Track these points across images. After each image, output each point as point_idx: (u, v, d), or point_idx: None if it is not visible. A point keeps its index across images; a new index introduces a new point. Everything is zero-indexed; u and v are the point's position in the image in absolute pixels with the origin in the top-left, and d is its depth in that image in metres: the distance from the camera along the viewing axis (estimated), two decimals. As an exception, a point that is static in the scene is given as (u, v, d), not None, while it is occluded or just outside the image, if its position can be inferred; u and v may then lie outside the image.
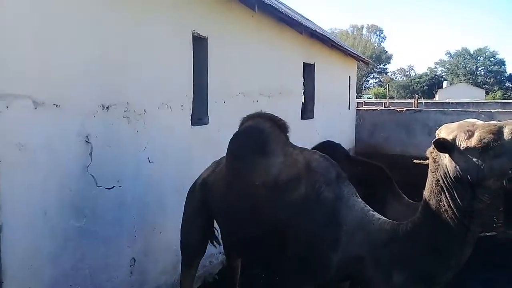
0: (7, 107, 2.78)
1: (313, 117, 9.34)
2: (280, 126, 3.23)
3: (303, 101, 9.18)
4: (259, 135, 3.15)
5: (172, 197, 4.37)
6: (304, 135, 7.06)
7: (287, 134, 3.27)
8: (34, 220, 3.02)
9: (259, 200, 2.95)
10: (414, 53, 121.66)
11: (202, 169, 4.29)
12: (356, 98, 16.69)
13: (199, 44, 4.86)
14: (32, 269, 3.03)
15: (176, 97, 4.40)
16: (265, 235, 2.92)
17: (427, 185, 2.47)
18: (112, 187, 3.61)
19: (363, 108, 16.12)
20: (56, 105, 3.11)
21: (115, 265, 3.75)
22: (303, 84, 9.19)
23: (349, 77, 13.36)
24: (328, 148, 3.67)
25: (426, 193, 2.47)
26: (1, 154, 2.76)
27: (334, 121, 11.26)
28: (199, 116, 4.90)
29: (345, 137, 12.40)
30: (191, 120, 4.68)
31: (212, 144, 4.95)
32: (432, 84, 61.21)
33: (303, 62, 8.65)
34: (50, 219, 3.13)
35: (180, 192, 4.43)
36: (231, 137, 3.39)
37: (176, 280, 4.57)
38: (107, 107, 3.55)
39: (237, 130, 3.43)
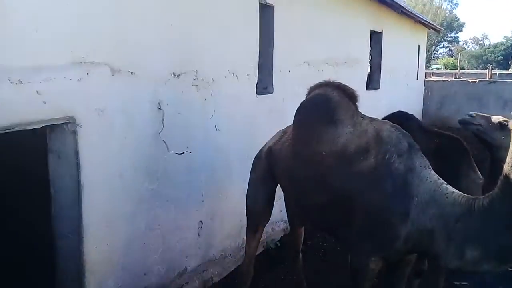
0: (87, 73, 2.92)
1: (379, 88, 9.06)
2: (349, 95, 3.17)
3: (369, 71, 8.90)
4: (327, 104, 3.11)
5: (237, 164, 4.46)
6: (369, 107, 6.83)
7: (356, 104, 3.20)
8: (111, 182, 3.21)
9: (326, 170, 2.94)
10: (488, 21, 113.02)
11: (266, 137, 4.32)
12: (425, 68, 15.89)
13: (266, 11, 4.82)
14: (110, 227, 3.24)
15: (242, 66, 4.43)
16: (331, 204, 2.92)
17: (508, 159, 2.34)
18: (183, 153, 3.75)
19: (432, 79, 15.36)
20: (132, 73, 3.24)
21: (184, 226, 3.93)
22: (370, 53, 8.88)
23: (418, 46, 12.73)
24: (400, 118, 3.56)
25: (506, 167, 2.34)
26: (82, 118, 2.93)
27: (401, 92, 10.85)
28: (264, 85, 4.91)
29: (412, 109, 11.89)
30: (256, 89, 4.70)
31: (276, 113, 4.97)
32: (508, 54, 56.81)
33: (371, 30, 8.34)
34: (125, 181, 3.31)
35: (245, 160, 4.52)
36: (298, 106, 3.38)
37: (241, 244, 4.73)
38: (178, 75, 3.64)
39: (304, 98, 3.40)
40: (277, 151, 3.50)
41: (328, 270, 4.66)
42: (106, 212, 3.19)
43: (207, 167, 4.11)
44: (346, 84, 3.30)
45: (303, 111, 3.27)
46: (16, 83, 2.53)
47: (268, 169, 3.56)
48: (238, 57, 4.35)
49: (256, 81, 4.67)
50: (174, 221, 3.82)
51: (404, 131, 2.82)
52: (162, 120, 3.55)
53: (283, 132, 3.65)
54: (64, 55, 2.78)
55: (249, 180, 3.73)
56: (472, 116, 3.29)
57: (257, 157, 3.71)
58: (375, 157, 2.73)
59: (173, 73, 3.60)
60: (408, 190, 2.60)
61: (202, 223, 4.14)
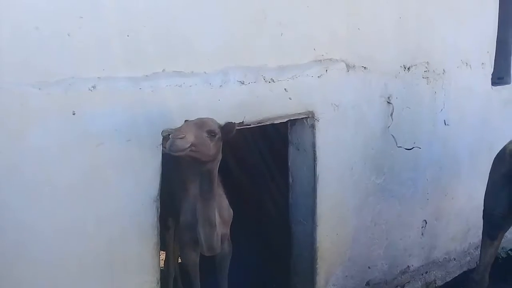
0: (326, 70, 3.06)
1: None
2: None
3: None
4: None
5: (466, 162, 4.12)
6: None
7: None
8: (342, 174, 3.31)
9: None
10: None
11: (500, 133, 3.89)
12: None
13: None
14: (340, 218, 3.35)
15: (476, 55, 4.03)
16: None
17: None
18: (412, 148, 3.63)
19: None
20: (364, 67, 3.26)
21: (407, 224, 3.82)
22: None
23: None
24: None
25: None
26: (320, 113, 3.09)
27: None
28: (500, 75, 4.38)
29: None
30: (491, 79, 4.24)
31: (513, 106, 4.41)
32: None
33: None
34: (355, 174, 3.37)
35: (475, 157, 4.16)
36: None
37: (467, 248, 4.39)
38: (408, 68, 3.53)
39: None
40: (525, 149, 3.07)
41: None
42: (337, 203, 3.31)
43: (433, 164, 3.89)
44: None
45: None
46: (269, 82, 2.81)
47: (513, 169, 3.16)
48: (472, 44, 3.96)
49: (491, 71, 4.20)
50: (398, 218, 3.74)
51: None
52: (391, 114, 3.49)
53: (532, 128, 3.19)
54: (307, 54, 2.97)
55: (489, 181, 3.37)
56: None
57: (500, 155, 3.32)
58: None
59: (403, 65, 3.50)
60: None
61: (426, 223, 3.95)
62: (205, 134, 2.26)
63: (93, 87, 2.20)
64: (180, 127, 2.19)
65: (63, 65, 2.14)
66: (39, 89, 2.09)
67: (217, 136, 2.32)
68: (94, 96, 2.21)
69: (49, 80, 2.12)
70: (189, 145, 2.15)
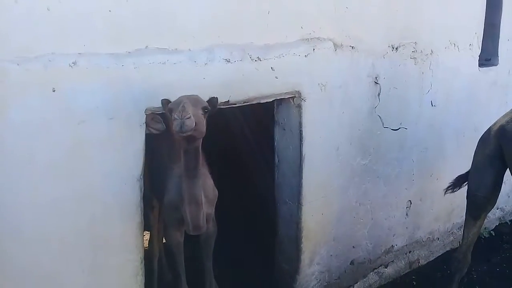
0: (313, 49, 3.02)
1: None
2: None
3: None
4: None
5: (452, 143, 4.15)
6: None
7: None
8: (328, 155, 3.30)
9: None
10: None
11: (486, 115, 3.93)
12: None
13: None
14: (325, 198, 3.36)
15: (464, 36, 4.01)
16: None
17: None
18: (398, 129, 3.63)
19: None
20: (352, 47, 3.23)
21: (392, 204, 3.85)
22: None
23: None
24: None
25: None
26: (306, 93, 3.06)
27: None
28: (487, 57, 4.38)
29: None
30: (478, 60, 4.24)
31: (500, 88, 4.44)
32: None
33: None
34: (341, 154, 3.37)
35: (461, 138, 4.20)
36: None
37: (450, 228, 4.45)
38: (396, 48, 3.50)
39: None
40: (510, 130, 3.09)
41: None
42: (322, 183, 3.32)
43: (419, 145, 3.91)
44: None
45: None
46: (255, 60, 2.77)
47: (497, 150, 3.19)
48: (460, 25, 3.95)
49: (479, 52, 4.19)
50: (383, 198, 3.77)
51: None
52: (378, 94, 3.48)
53: (518, 109, 3.21)
54: (294, 33, 2.92)
55: (473, 162, 3.40)
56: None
57: (485, 136, 3.34)
58: None
59: (391, 45, 3.47)
60: None
61: (411, 203, 3.99)
62: (200, 112, 2.26)
63: (73, 63, 2.14)
64: (183, 106, 2.13)
65: (43, 40, 2.08)
66: (18, 64, 2.03)
67: (207, 113, 2.33)
68: (75, 72, 2.15)
69: (28, 55, 2.05)
70: (195, 123, 2.15)
